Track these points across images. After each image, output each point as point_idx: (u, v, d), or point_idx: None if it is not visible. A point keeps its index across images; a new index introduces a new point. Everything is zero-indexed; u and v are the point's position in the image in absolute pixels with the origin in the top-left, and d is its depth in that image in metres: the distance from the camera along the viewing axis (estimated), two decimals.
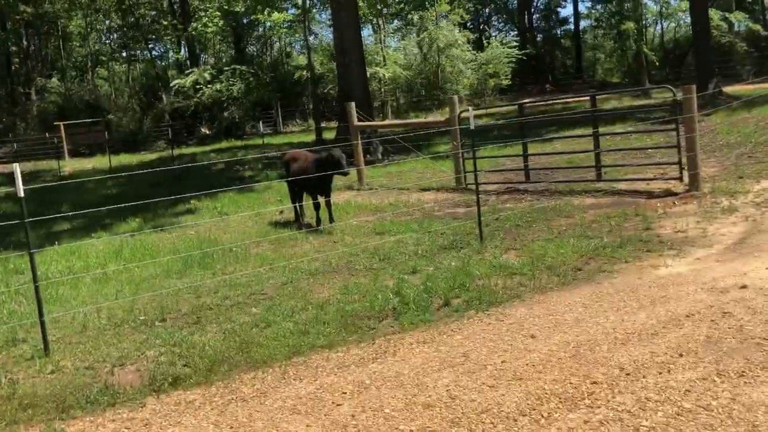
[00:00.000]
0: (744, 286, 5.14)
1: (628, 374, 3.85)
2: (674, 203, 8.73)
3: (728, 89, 22.40)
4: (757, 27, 38.24)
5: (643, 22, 40.56)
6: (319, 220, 9.93)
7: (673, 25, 45.24)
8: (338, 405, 3.94)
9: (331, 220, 9.91)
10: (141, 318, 6.37)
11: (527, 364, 4.15)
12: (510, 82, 38.65)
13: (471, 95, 37.32)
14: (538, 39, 50.47)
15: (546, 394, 3.73)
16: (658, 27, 46.41)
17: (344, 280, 6.89)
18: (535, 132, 16.64)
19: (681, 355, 4.00)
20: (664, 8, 41.45)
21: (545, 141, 14.62)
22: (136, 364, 5.12)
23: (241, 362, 4.92)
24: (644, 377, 3.79)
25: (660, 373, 3.81)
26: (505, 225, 8.64)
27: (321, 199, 10.02)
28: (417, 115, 34.74)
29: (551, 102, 26.60)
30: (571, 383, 3.82)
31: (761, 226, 7.01)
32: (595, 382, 3.79)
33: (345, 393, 4.09)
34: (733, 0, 37.64)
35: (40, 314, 5.63)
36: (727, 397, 3.46)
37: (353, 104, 14.39)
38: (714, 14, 32.45)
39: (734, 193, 8.76)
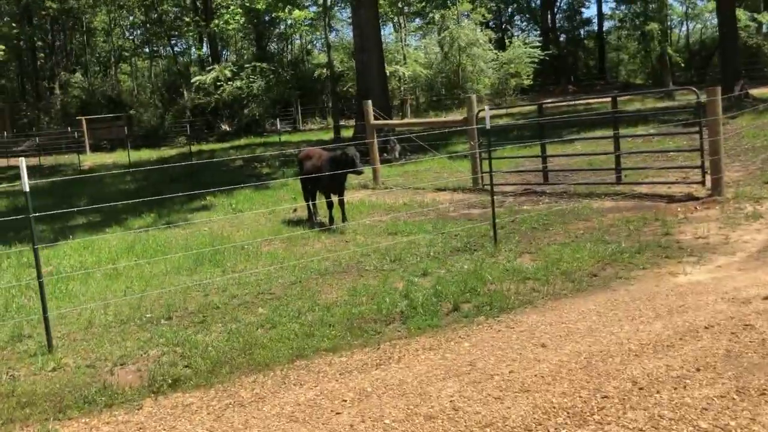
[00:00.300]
0: (767, 297, 4.91)
1: (641, 389, 3.65)
2: (696, 208, 8.47)
3: (755, 92, 21.93)
4: None
5: (668, 23, 39.99)
6: (331, 219, 9.82)
7: (699, 26, 44.53)
8: (337, 413, 3.80)
9: (344, 219, 9.79)
10: (147, 316, 6.29)
11: (536, 375, 3.97)
12: (532, 83, 38.32)
13: (492, 95, 37.05)
14: (561, 39, 49.98)
15: (554, 407, 3.55)
16: (684, 28, 45.76)
17: (353, 281, 6.76)
18: (555, 133, 16.39)
19: (698, 370, 3.79)
20: (690, 9, 40.79)
21: (565, 142, 14.36)
22: (138, 364, 5.03)
23: (243, 364, 4.81)
24: (658, 393, 3.59)
25: (675, 389, 3.60)
26: (521, 227, 8.45)
27: (334, 198, 9.90)
28: (437, 113, 34.55)
29: (572, 103, 26.26)
30: (580, 397, 3.63)
31: None
32: (606, 397, 3.60)
33: (345, 401, 3.95)
34: (761, 0, 36.88)
35: (44, 311, 5.57)
36: (746, 417, 3.25)
37: (370, 102, 14.28)
38: (741, 15, 31.83)
39: (759, 198, 8.48)
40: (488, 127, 7.91)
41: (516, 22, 53.67)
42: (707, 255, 6.36)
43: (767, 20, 36.71)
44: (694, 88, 10.42)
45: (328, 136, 28.42)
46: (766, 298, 4.87)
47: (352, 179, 13.33)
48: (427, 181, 13.29)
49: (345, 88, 37.18)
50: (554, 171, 11.88)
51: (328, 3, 31.13)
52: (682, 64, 39.72)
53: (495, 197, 10.68)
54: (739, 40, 27.01)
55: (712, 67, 37.20)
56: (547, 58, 38.09)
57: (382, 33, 32.30)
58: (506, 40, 43.07)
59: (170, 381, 4.57)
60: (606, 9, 48.63)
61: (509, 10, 51.97)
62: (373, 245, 8.25)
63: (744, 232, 7.06)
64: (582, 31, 50.93)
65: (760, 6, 36.56)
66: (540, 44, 39.50)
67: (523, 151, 13.84)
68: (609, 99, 12.72)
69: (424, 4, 37.67)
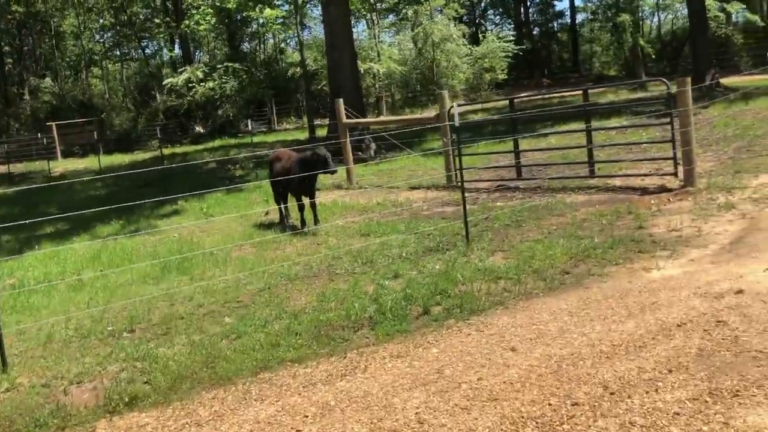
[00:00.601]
0: (740, 291, 4.80)
1: (612, 394, 3.52)
2: (669, 200, 8.40)
3: (726, 81, 22.05)
4: (755, 18, 37.85)
5: (640, 15, 40.28)
6: (303, 222, 9.65)
7: (670, 16, 44.89)
8: (298, 431, 3.63)
9: (316, 221, 9.62)
10: (109, 329, 6.09)
11: (505, 382, 3.83)
12: (506, 77, 38.34)
13: (467, 90, 37.06)
14: (535, 33, 50.10)
15: (522, 417, 3.41)
16: (655, 19, 46.11)
17: (323, 285, 6.60)
18: (529, 127, 16.32)
19: (670, 371, 3.66)
20: (660, 0, 41.10)
21: (538, 136, 14.28)
22: (95, 382, 4.82)
23: (205, 379, 4.62)
24: (629, 397, 3.45)
25: (647, 393, 3.47)
26: (494, 225, 8.33)
27: (305, 200, 9.72)
28: (412, 110, 34.45)
29: (546, 96, 26.28)
30: (550, 405, 3.49)
31: (759, 224, 6.68)
32: (576, 404, 3.46)
33: (307, 416, 3.78)
34: None
35: None
36: (719, 422, 3.12)
37: (341, 101, 14.09)
38: (711, 5, 32.06)
39: (731, 188, 8.43)
40: (457, 124, 7.78)
41: (489, 17, 53.70)
42: (680, 248, 6.26)
43: (736, 10, 37.04)
44: (665, 79, 10.38)
45: (304, 135, 28.18)
46: (738, 292, 4.76)
47: (326, 179, 13.15)
48: (401, 179, 13.15)
49: (319, 87, 36.92)
50: (528, 166, 11.81)
51: (299, 1, 30.84)
52: (654, 55, 40.00)
53: (469, 194, 10.63)
54: (709, 30, 27.22)
55: (683, 58, 37.47)
56: (520, 53, 38.12)
57: (354, 30, 32.02)
58: (480, 35, 42.97)
59: (127, 399, 4.37)
60: (578, 1, 48.77)
61: (482, 4, 51.98)
62: (345, 248, 8.09)
63: (716, 224, 6.98)
64: (555, 24, 51.10)
65: None
66: (514, 38, 39.56)
67: (497, 146, 13.75)
68: (580, 92, 12.66)
69: (397, 0, 37.55)
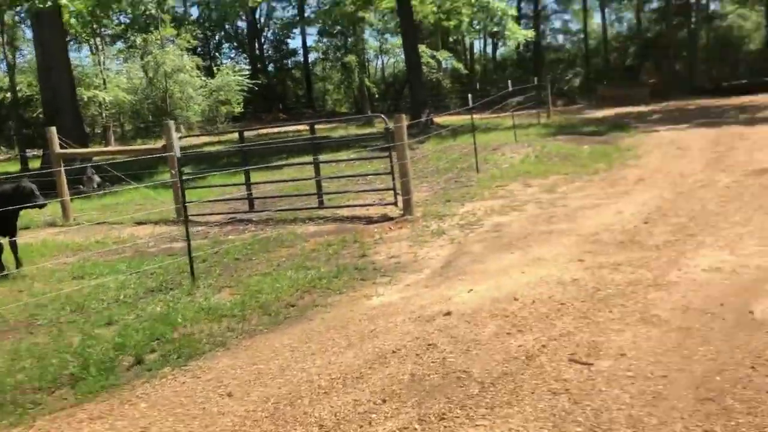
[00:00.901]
0: (448, 313, 5.09)
1: None
2: (390, 228, 8.85)
3: (439, 119, 24.43)
4: (460, 66, 43.02)
5: (365, 57, 43.24)
6: (1, 266, 8.36)
7: (392, 60, 48.84)
8: None
9: (18, 264, 8.41)
10: None
11: None
12: (242, 110, 38.29)
13: (204, 122, 36.21)
14: (270, 68, 50.97)
15: None
16: (380, 61, 49.87)
17: (18, 341, 5.66)
18: (264, 160, 16.33)
19: (384, 401, 3.67)
20: (382, 44, 44.63)
21: (271, 168, 14.32)
22: None
23: None
24: None
25: (361, 427, 3.41)
26: (223, 259, 8.00)
27: (4, 240, 8.45)
28: (145, 141, 32.65)
29: (281, 130, 26.69)
30: None
31: (464, 248, 7.29)
32: None
33: None
34: (439, 39, 41.81)
35: None
36: None
37: (54, 129, 12.71)
38: (425, 51, 35.59)
39: (443, 216, 9.15)
40: (178, 154, 7.37)
41: (224, 50, 53.33)
42: (398, 274, 6.54)
43: (445, 58, 41.67)
44: (383, 116, 11.06)
45: (16, 168, 25.13)
46: (446, 314, 5.05)
47: (37, 217, 11.72)
48: (127, 214, 12.19)
49: (35, 115, 33.21)
50: (260, 198, 11.71)
51: (5, 19, 27.58)
52: (377, 95, 43.22)
53: (200, 228, 10.17)
54: (423, 75, 30.16)
55: (404, 97, 41.01)
56: (256, 87, 38.37)
57: (77, 56, 29.49)
58: (215, 68, 42.39)
59: None
60: (310, 41, 50.83)
61: (217, 37, 51.50)
62: (52, 293, 7.12)
63: (430, 249, 7.47)
64: (289, 61, 52.52)
65: (438, 45, 41.41)
66: (249, 72, 39.69)
67: (230, 178, 13.46)
68: (309, 126, 12.95)
69: (123, 27, 35.49)
